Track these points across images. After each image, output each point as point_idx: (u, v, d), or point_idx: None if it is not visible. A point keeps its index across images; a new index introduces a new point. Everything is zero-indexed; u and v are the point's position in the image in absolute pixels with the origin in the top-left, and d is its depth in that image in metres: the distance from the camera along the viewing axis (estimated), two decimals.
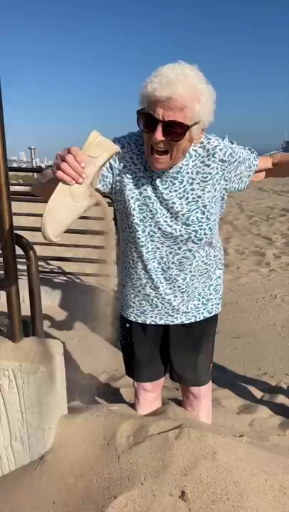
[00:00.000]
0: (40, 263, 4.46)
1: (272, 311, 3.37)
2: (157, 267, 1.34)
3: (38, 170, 5.42)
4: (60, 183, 0.98)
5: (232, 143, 1.30)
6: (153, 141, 1.12)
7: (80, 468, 1.29)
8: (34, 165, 19.63)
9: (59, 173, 0.95)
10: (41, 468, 1.31)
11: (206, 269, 1.40)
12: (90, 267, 4.01)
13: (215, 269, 1.45)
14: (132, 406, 1.60)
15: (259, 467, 1.28)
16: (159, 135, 1.10)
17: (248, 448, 1.39)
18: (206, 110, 1.13)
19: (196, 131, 1.15)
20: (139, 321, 1.44)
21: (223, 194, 1.33)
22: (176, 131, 1.10)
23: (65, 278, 4.26)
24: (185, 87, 1.07)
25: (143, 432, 1.32)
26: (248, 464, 1.27)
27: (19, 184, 9.06)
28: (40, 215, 0.99)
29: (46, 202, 0.99)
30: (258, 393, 2.18)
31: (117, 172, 1.26)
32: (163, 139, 1.10)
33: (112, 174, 1.27)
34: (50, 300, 3.63)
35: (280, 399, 2.10)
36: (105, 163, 1.04)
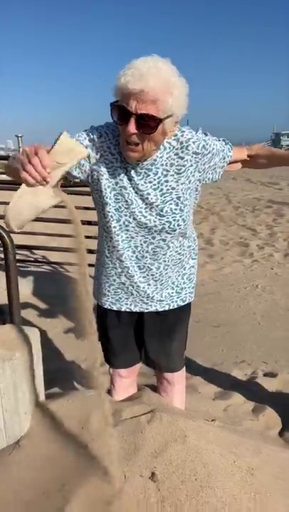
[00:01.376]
0: (24, 252, 4.46)
1: (252, 300, 3.43)
2: (132, 256, 1.36)
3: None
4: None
5: (206, 135, 1.32)
6: (126, 133, 1.14)
7: (55, 452, 1.32)
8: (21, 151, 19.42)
9: (23, 175, 0.98)
10: (16, 452, 1.34)
11: (179, 258, 1.43)
12: (73, 256, 4.00)
13: (188, 259, 1.48)
14: (109, 392, 1.63)
15: (228, 449, 1.33)
16: (132, 128, 1.12)
17: (219, 431, 1.44)
18: (179, 103, 1.15)
19: (170, 125, 1.18)
20: (114, 309, 1.47)
21: (197, 185, 1.35)
22: (149, 124, 1.12)
23: (49, 267, 4.27)
24: (157, 80, 1.09)
25: (116, 417, 1.36)
26: (218, 447, 1.31)
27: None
28: None
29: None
30: (234, 380, 2.23)
31: (94, 161, 1.28)
32: (136, 131, 1.13)
33: (89, 163, 1.28)
34: (34, 289, 3.65)
35: (256, 386, 2.16)
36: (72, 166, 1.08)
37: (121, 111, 1.13)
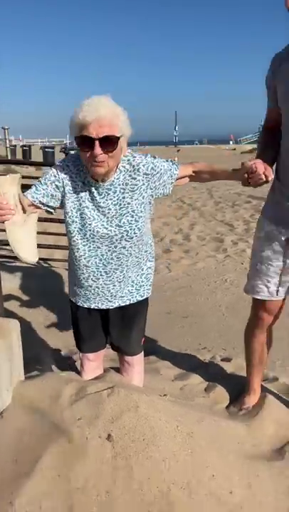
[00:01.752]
0: (7, 247, 4.70)
1: (220, 293, 3.74)
2: (99, 263, 1.64)
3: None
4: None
5: (154, 158, 1.61)
6: (94, 155, 1.42)
7: (30, 422, 1.61)
8: (8, 144, 19.48)
9: None
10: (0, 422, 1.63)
11: (138, 262, 1.71)
12: (58, 252, 4.29)
13: (146, 262, 1.76)
14: (79, 373, 1.92)
15: (173, 417, 1.63)
16: (98, 150, 1.41)
17: (168, 404, 1.74)
18: (126, 126, 1.47)
19: (124, 142, 1.48)
20: (85, 306, 1.75)
21: (150, 199, 1.64)
22: (110, 143, 1.42)
23: (33, 263, 4.52)
24: (107, 109, 1.40)
25: (82, 392, 1.64)
26: (164, 415, 1.61)
27: None
28: None
29: None
30: (194, 364, 2.53)
31: (62, 189, 1.57)
32: (101, 152, 1.41)
33: (60, 192, 1.57)
34: (18, 283, 3.91)
35: (213, 368, 2.46)
36: (20, 187, 1.44)
37: (85, 139, 1.41)
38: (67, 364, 2.51)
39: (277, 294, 1.86)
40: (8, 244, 4.26)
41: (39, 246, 4.42)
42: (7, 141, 17.35)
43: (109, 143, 1.41)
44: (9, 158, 18.09)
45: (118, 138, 1.43)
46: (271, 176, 1.59)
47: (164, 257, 4.93)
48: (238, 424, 1.89)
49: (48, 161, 17.96)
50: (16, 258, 4.53)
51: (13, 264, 4.40)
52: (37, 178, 4.65)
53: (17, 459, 1.47)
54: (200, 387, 2.24)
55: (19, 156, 22.26)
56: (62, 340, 2.85)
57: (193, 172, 1.75)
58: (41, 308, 3.45)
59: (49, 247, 4.25)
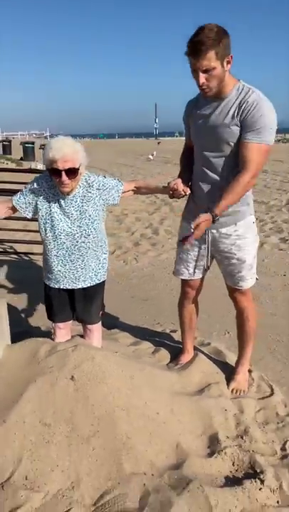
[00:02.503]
0: None
1: (177, 280, 4.34)
2: (65, 253, 2.25)
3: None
4: None
5: (104, 177, 2.22)
6: (61, 181, 2.04)
7: (16, 372, 2.22)
8: None
9: None
10: None
11: (95, 253, 2.32)
12: (36, 247, 4.88)
13: (102, 254, 2.37)
14: (52, 338, 2.53)
15: (120, 365, 2.26)
16: (64, 178, 2.03)
17: (118, 357, 2.37)
18: (83, 157, 2.08)
19: (82, 168, 2.09)
20: (56, 287, 2.36)
21: (103, 207, 2.25)
22: (73, 172, 2.04)
23: (16, 257, 5.11)
24: (69, 149, 2.01)
25: (54, 349, 2.26)
26: (114, 364, 2.24)
27: None
28: None
29: None
30: (147, 335, 3.18)
31: (37, 199, 2.18)
32: (67, 179, 2.03)
33: (35, 200, 2.18)
34: (4, 274, 4.49)
35: (161, 337, 3.11)
36: None
37: (55, 171, 2.02)
38: (49, 337, 3.11)
39: (194, 275, 2.52)
40: None
41: (21, 242, 4.99)
42: None
43: (72, 172, 2.04)
44: None
45: (78, 168, 2.04)
46: (188, 192, 2.26)
47: (133, 249, 5.56)
48: (171, 373, 2.55)
49: (27, 157, 18.37)
50: (1, 253, 5.09)
51: (0, 258, 4.98)
52: (17, 171, 5.17)
53: (9, 394, 2.09)
54: (148, 351, 2.89)
55: None
56: (41, 320, 3.45)
57: (135, 187, 2.38)
58: (24, 294, 4.04)
59: (29, 242, 4.83)
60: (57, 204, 2.18)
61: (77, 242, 2.23)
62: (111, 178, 2.30)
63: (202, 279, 2.59)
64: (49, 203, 2.18)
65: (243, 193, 2.12)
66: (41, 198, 2.19)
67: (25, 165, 14.81)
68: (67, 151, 1.99)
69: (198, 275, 2.53)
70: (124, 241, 5.93)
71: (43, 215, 2.20)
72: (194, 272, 2.51)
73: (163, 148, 28.19)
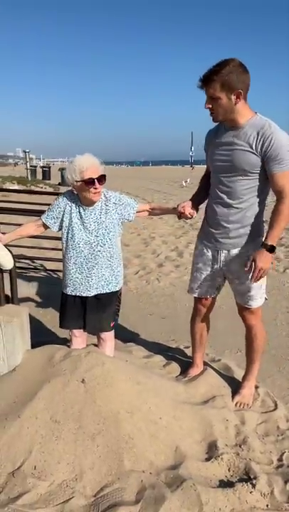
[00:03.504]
0: (26, 261, 5.59)
1: None
2: (82, 261, 2.48)
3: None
4: None
5: (121, 194, 2.46)
6: (96, 189, 2.33)
7: (33, 374, 2.43)
8: (28, 166, 20.82)
9: None
10: (12, 374, 2.45)
11: (110, 264, 2.52)
12: None
13: (116, 266, 2.57)
14: (69, 347, 2.73)
15: (128, 372, 2.43)
16: (98, 185, 2.33)
17: (128, 365, 2.54)
18: (103, 169, 2.37)
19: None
20: (72, 294, 2.57)
21: (119, 221, 2.49)
22: (102, 179, 2.34)
23: (45, 273, 5.41)
24: (94, 159, 2.35)
25: (68, 354, 2.46)
26: (122, 370, 2.41)
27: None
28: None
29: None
30: (161, 349, 3.32)
31: (63, 211, 2.46)
32: (99, 185, 2.33)
33: (61, 214, 2.46)
34: (32, 290, 4.78)
35: (174, 352, 3.25)
36: None
37: (89, 180, 2.31)
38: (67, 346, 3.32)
39: (206, 294, 2.68)
40: (23, 258, 5.14)
41: (51, 260, 5.28)
42: (27, 164, 18.65)
43: (101, 179, 2.35)
44: (29, 178, 19.33)
45: (104, 176, 2.36)
46: (194, 215, 2.48)
47: (156, 270, 5.74)
48: (178, 383, 2.68)
49: (65, 182, 19.15)
50: (32, 269, 5.41)
51: (31, 274, 5.29)
52: (52, 194, 5.53)
53: (25, 392, 2.29)
54: (160, 363, 3.03)
55: (39, 176, 23.61)
56: (64, 332, 3.66)
57: (149, 209, 2.61)
58: (49, 308, 4.29)
59: (58, 260, 5.12)
60: (78, 216, 2.45)
61: (94, 250, 2.46)
62: (128, 196, 2.57)
63: (214, 298, 2.75)
64: (71, 215, 2.46)
65: (287, 218, 2.29)
66: (65, 211, 2.47)
67: (63, 190, 15.47)
68: (94, 161, 2.35)
69: (211, 294, 2.70)
70: (149, 262, 6.13)
71: (66, 226, 2.47)
72: (207, 290, 2.68)
73: (197, 175, 28.60)
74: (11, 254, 2.54)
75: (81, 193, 2.38)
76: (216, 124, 2.46)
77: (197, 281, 2.69)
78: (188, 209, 2.49)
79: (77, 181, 2.33)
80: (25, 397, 2.26)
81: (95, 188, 2.32)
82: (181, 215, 2.53)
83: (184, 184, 21.01)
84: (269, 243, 2.28)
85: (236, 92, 2.18)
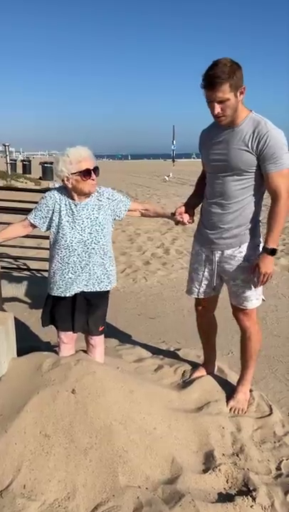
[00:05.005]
0: (8, 260, 5.42)
1: (185, 299, 4.41)
2: (76, 260, 2.34)
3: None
4: None
5: (113, 189, 2.36)
6: (93, 180, 2.23)
7: (20, 384, 2.31)
8: (8, 160, 20.40)
9: None
10: None
11: (102, 261, 2.40)
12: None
13: (109, 265, 2.44)
14: (58, 353, 2.61)
15: (120, 380, 2.33)
16: (94, 176, 2.22)
17: (119, 373, 2.45)
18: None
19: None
20: (62, 295, 2.43)
21: (111, 217, 2.37)
22: (98, 170, 2.24)
23: (29, 273, 5.25)
24: (88, 151, 2.24)
25: (57, 363, 2.35)
26: (114, 378, 2.31)
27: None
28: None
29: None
30: (151, 352, 3.22)
31: (52, 210, 2.32)
32: (95, 177, 2.23)
33: (50, 213, 2.32)
34: (15, 290, 4.63)
35: (164, 355, 3.16)
36: None
37: (87, 171, 2.21)
38: (55, 352, 3.20)
39: (204, 294, 2.63)
40: (6, 257, 4.99)
41: (34, 259, 5.13)
42: (7, 157, 18.26)
43: (97, 170, 2.26)
44: (9, 172, 18.94)
45: (97, 167, 2.26)
46: (191, 222, 2.41)
47: (143, 268, 5.65)
48: (171, 390, 2.60)
49: (46, 176, 18.81)
50: (15, 269, 5.25)
51: (12, 274, 5.12)
52: (35, 191, 5.37)
53: (12, 405, 2.17)
54: (151, 368, 2.94)
55: (19, 170, 23.17)
56: (48, 335, 3.53)
57: (143, 209, 2.51)
58: (34, 310, 4.15)
59: (41, 259, 4.97)
60: (69, 213, 2.31)
61: (87, 248, 2.33)
62: (121, 193, 2.44)
63: (215, 297, 2.70)
64: (61, 213, 2.32)
65: (284, 219, 2.25)
66: (54, 209, 2.33)
67: (44, 184, 15.20)
68: (88, 152, 2.26)
69: (209, 294, 2.62)
70: (135, 260, 6.04)
71: (55, 225, 2.33)
72: (205, 291, 2.61)
73: (180, 170, 28.55)
74: None
75: (77, 185, 2.26)
76: (210, 123, 2.39)
77: (194, 281, 2.63)
78: (186, 217, 2.46)
79: (73, 173, 2.22)
80: (12, 409, 2.14)
81: (93, 180, 2.23)
82: (178, 223, 2.48)
83: (167, 179, 20.94)
84: (270, 247, 2.24)
85: (241, 88, 2.14)
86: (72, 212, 2.31)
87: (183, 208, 2.48)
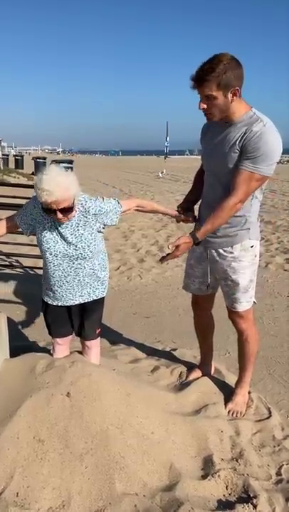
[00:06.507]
0: (0, 257, 5.32)
1: (180, 298, 4.37)
2: (61, 274, 2.25)
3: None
4: None
5: (102, 200, 2.21)
6: (58, 219, 2.04)
7: (13, 387, 2.23)
8: (1, 154, 20.19)
9: None
10: None
11: (93, 272, 2.32)
12: (42, 262, 4.91)
13: (100, 271, 2.37)
14: (52, 354, 2.54)
15: (117, 383, 2.26)
16: (59, 216, 2.02)
17: (115, 375, 2.37)
18: (75, 190, 2.02)
19: (76, 201, 2.07)
20: (54, 304, 2.37)
21: (102, 228, 2.26)
22: (68, 209, 2.02)
23: (22, 270, 5.15)
24: (61, 191, 1.93)
25: (51, 365, 2.27)
26: (110, 381, 2.24)
27: None
28: None
29: None
30: (147, 352, 3.16)
31: (35, 220, 2.20)
32: (62, 216, 2.03)
33: (34, 222, 2.20)
34: (8, 288, 4.53)
35: (160, 355, 3.10)
36: None
37: (49, 210, 2.01)
38: (49, 352, 3.12)
39: (199, 291, 2.59)
40: (0, 254, 4.86)
41: (27, 256, 5.04)
42: (0, 152, 18.08)
43: (67, 210, 2.03)
44: (1, 167, 18.74)
45: (72, 205, 2.03)
46: (196, 219, 2.43)
47: (137, 266, 5.58)
48: (168, 392, 2.54)
49: (39, 171, 18.65)
50: (7, 266, 5.14)
51: (4, 271, 5.03)
52: (27, 186, 5.21)
53: (4, 408, 2.10)
54: (147, 369, 2.88)
55: (11, 165, 22.94)
56: (41, 335, 3.45)
57: (137, 206, 2.41)
58: (27, 308, 4.07)
59: (34, 256, 4.87)
60: (53, 226, 2.16)
61: (73, 263, 2.21)
62: (108, 199, 2.25)
63: (212, 296, 2.65)
64: (45, 225, 2.17)
65: (227, 218, 2.16)
66: (38, 219, 2.18)
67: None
68: (59, 195, 1.93)
69: (204, 292, 2.57)
70: (130, 257, 5.96)
71: (39, 236, 2.20)
72: (200, 288, 2.57)
73: (173, 166, 28.46)
74: None
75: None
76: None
77: (190, 277, 2.60)
78: (191, 215, 2.44)
79: (42, 205, 2.04)
80: (4, 413, 2.06)
81: (57, 219, 2.04)
82: (182, 221, 2.45)
83: (161, 175, 20.85)
84: (197, 235, 2.17)
85: (233, 90, 2.01)
86: (56, 227, 2.15)
87: (182, 214, 2.44)
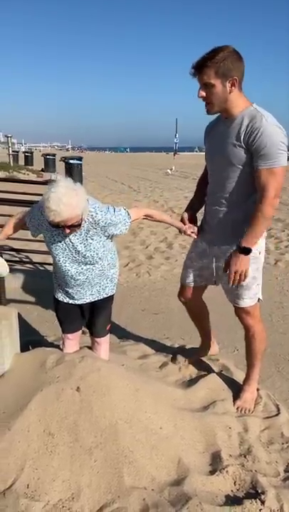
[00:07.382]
0: (11, 252, 5.36)
1: None
2: (71, 277, 2.25)
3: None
4: None
5: (113, 211, 2.17)
6: (65, 233, 2.03)
7: (24, 381, 2.26)
8: (10, 151, 20.29)
9: None
10: (0, 381, 2.28)
11: (102, 272, 2.32)
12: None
13: (109, 270, 2.37)
14: (62, 349, 2.57)
15: (125, 378, 2.28)
16: (67, 231, 2.01)
17: (124, 370, 2.39)
18: (83, 207, 1.99)
19: (84, 214, 2.03)
20: (65, 301, 2.40)
21: (111, 237, 2.25)
22: (74, 226, 2.01)
23: (32, 266, 5.20)
24: (68, 211, 1.89)
25: (61, 359, 2.30)
26: (119, 376, 2.26)
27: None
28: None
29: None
30: (155, 349, 3.18)
31: (41, 227, 2.19)
32: (69, 231, 2.02)
33: (41, 228, 2.19)
34: (18, 284, 4.57)
35: (169, 352, 3.11)
36: None
37: (57, 226, 1.99)
38: (59, 347, 3.15)
39: (192, 283, 2.63)
40: (10, 250, 4.91)
41: (37, 252, 5.08)
42: (10, 149, 18.17)
43: (74, 226, 2.01)
44: (11, 164, 18.84)
45: (80, 222, 2.01)
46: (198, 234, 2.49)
47: (146, 262, 5.59)
48: (177, 388, 2.55)
49: (48, 168, 18.70)
50: (17, 262, 5.19)
51: (15, 267, 5.07)
52: (38, 183, 5.21)
53: (15, 402, 2.13)
54: (155, 365, 2.89)
55: (21, 161, 23.06)
56: (51, 330, 3.49)
57: (145, 215, 2.41)
58: (37, 303, 4.10)
59: (44, 252, 4.91)
60: (61, 234, 2.13)
61: (82, 268, 2.23)
62: (118, 210, 2.20)
63: (202, 288, 2.68)
64: (53, 232, 2.15)
65: (268, 221, 2.18)
66: (45, 226, 2.15)
67: (46, 176, 15.10)
68: (66, 214, 1.90)
69: (196, 284, 2.63)
70: (138, 254, 5.97)
71: (47, 243, 2.21)
72: (195, 280, 2.61)
73: (182, 163, 28.37)
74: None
75: None
76: (216, 116, 2.32)
77: (187, 268, 2.64)
78: (195, 229, 2.51)
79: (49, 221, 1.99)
80: (15, 407, 2.09)
81: (66, 233, 2.02)
82: (186, 235, 2.53)
83: (170, 172, 20.81)
84: (242, 245, 2.16)
85: (232, 79, 2.03)
86: (64, 236, 2.12)
87: (188, 215, 2.52)
